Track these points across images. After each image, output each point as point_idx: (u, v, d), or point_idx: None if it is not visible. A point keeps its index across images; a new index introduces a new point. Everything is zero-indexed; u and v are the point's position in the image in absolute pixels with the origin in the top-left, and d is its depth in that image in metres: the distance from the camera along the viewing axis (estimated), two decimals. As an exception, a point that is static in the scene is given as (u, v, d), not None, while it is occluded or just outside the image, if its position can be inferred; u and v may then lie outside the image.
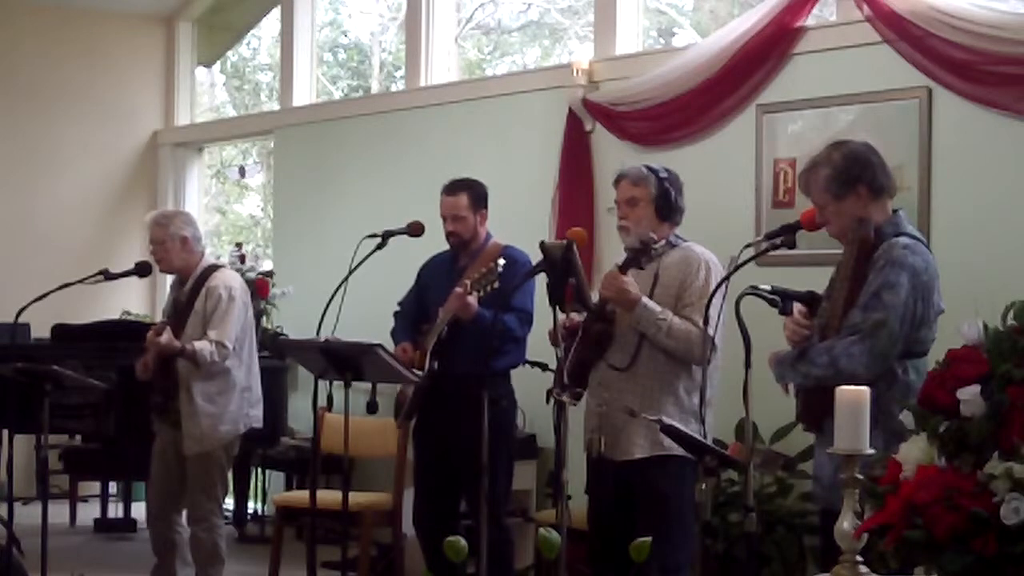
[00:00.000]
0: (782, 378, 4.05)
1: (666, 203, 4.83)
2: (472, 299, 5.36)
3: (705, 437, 4.04)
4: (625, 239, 4.84)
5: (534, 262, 5.53)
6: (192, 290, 6.01)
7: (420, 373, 5.41)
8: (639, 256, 4.63)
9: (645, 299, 4.67)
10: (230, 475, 7.76)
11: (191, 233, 6.10)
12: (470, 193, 5.71)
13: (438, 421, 5.62)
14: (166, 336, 5.82)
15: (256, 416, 6.10)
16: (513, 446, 5.78)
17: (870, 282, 3.87)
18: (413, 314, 5.80)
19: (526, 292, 5.50)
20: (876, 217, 3.98)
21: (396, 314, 5.91)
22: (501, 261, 5.37)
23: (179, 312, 6.01)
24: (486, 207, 5.76)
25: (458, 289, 5.38)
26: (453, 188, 5.74)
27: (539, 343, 5.19)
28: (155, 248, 6.07)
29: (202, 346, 5.83)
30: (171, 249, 6.03)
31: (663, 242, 4.79)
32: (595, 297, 4.90)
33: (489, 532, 4.83)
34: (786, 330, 4.07)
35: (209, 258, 6.27)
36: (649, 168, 4.89)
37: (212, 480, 5.99)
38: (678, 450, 4.52)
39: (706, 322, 4.10)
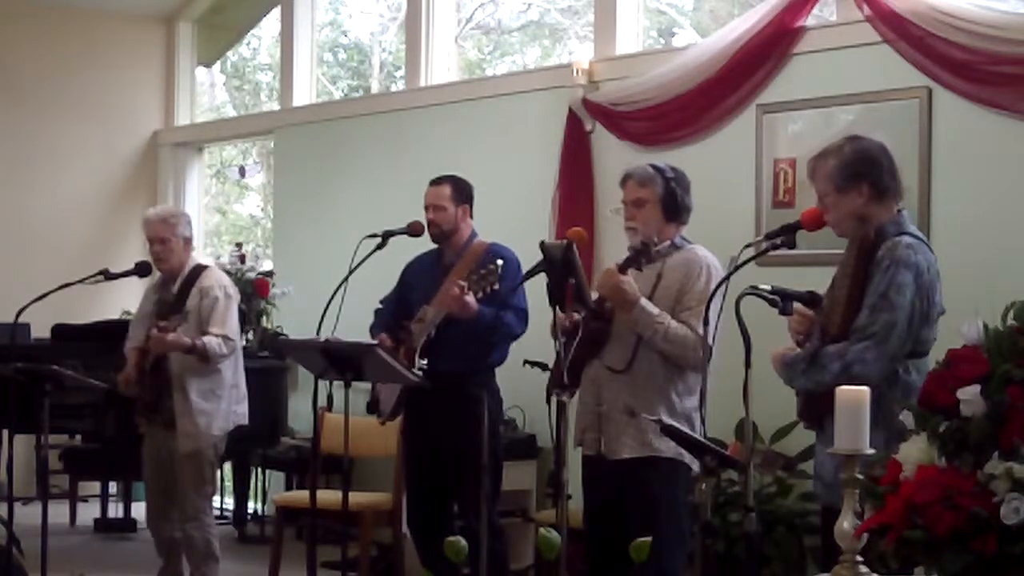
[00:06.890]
0: (791, 382, 4.04)
1: (673, 203, 4.77)
2: (470, 299, 5.35)
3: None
4: (632, 240, 4.79)
5: (523, 259, 5.55)
6: (181, 290, 6.03)
7: (420, 373, 5.41)
8: (639, 257, 4.59)
9: (643, 300, 4.63)
10: (229, 475, 7.75)
11: (191, 234, 6.14)
12: (453, 185, 5.73)
13: (427, 420, 5.61)
14: (174, 334, 5.83)
15: (242, 413, 6.13)
16: (500, 444, 5.74)
17: (876, 283, 3.86)
18: (394, 312, 5.78)
19: (521, 290, 5.49)
20: (879, 217, 3.97)
21: (377, 311, 5.91)
22: (500, 262, 5.37)
23: (167, 312, 6.00)
24: (469, 203, 5.75)
25: (455, 290, 5.35)
26: (438, 179, 5.79)
27: (539, 343, 5.18)
28: (159, 248, 6.05)
29: (210, 340, 5.88)
30: (175, 249, 6.05)
31: (667, 243, 4.74)
32: (595, 296, 4.88)
33: (480, 532, 4.81)
34: (790, 329, 4.07)
35: (196, 257, 6.28)
36: (655, 168, 4.83)
37: (203, 478, 6.01)
38: (667, 452, 4.52)
39: (706, 323, 4.09)
